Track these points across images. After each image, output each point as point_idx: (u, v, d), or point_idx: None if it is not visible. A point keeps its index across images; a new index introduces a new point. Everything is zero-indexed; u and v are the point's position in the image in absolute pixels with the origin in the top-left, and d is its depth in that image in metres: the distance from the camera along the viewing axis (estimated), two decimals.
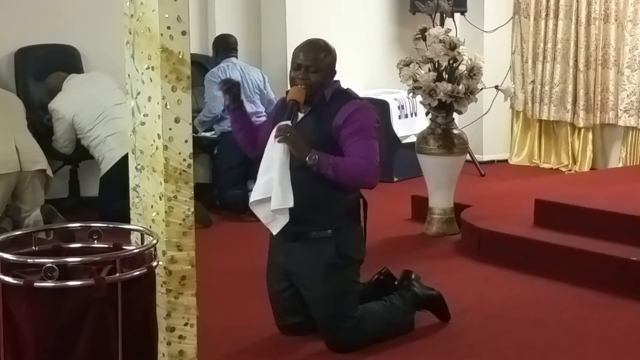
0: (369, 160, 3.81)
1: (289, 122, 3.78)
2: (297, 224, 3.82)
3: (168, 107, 3.17)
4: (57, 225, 5.11)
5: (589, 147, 7.88)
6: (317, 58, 3.90)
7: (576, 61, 7.78)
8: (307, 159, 3.73)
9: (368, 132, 3.86)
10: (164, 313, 3.24)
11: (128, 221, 3.44)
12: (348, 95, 3.97)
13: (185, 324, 3.29)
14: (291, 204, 3.69)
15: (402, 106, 7.56)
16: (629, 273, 4.69)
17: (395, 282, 4.21)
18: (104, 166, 6.06)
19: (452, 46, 5.60)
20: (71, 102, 6.15)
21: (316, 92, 3.90)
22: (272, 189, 3.70)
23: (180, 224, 3.23)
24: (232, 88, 4.10)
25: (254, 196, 3.81)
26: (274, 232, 3.83)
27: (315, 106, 3.92)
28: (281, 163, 3.70)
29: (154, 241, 2.97)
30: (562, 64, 7.87)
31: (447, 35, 5.66)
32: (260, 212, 3.82)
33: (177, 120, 3.19)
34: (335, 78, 4.01)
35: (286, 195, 3.68)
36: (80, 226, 3.30)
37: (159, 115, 3.17)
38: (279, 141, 3.71)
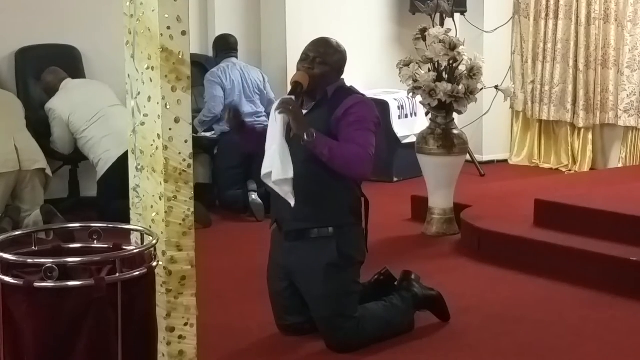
0: (364, 149, 3.78)
1: (292, 97, 3.77)
2: (299, 221, 3.84)
3: (168, 107, 3.17)
4: (57, 225, 5.11)
5: (589, 147, 7.88)
6: (326, 52, 3.93)
7: (576, 61, 7.78)
8: (304, 134, 3.68)
9: (366, 124, 3.84)
10: (164, 313, 3.24)
11: (128, 221, 3.44)
12: (350, 91, 3.98)
13: (185, 324, 3.28)
14: (291, 174, 3.65)
15: (402, 106, 7.56)
16: (629, 273, 4.69)
17: (395, 283, 4.21)
18: (100, 168, 6.02)
19: (452, 46, 5.60)
20: (67, 102, 6.15)
21: (318, 85, 3.89)
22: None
23: (180, 224, 3.23)
24: (235, 118, 4.06)
25: (263, 169, 3.78)
26: (292, 203, 3.73)
27: (317, 102, 3.92)
28: (281, 135, 3.68)
29: (154, 241, 2.97)
30: (562, 64, 7.87)
31: (447, 35, 5.66)
32: (271, 184, 3.79)
33: (177, 120, 3.19)
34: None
35: (286, 166, 3.65)
36: (80, 226, 3.30)
37: (158, 115, 3.18)
38: (280, 112, 3.70)
